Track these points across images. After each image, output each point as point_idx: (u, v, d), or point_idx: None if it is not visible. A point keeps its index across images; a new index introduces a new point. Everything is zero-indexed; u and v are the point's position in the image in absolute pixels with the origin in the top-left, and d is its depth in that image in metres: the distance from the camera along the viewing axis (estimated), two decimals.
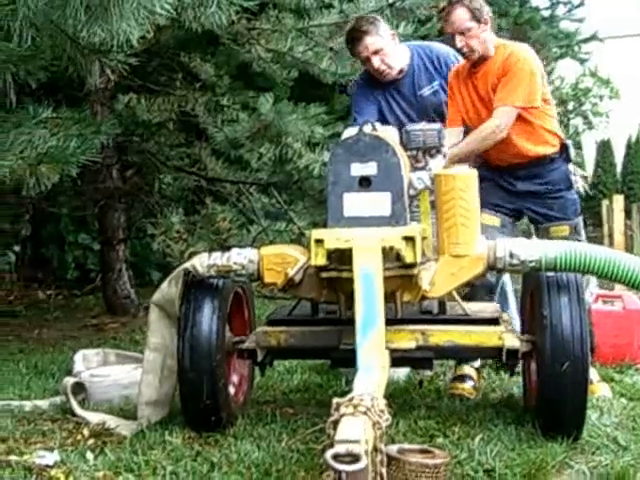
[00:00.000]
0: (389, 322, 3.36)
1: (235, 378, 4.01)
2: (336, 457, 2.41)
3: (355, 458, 2.40)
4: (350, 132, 3.67)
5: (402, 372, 4.63)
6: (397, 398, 4.23)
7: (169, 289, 3.79)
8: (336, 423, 2.61)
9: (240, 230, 7.03)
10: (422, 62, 4.78)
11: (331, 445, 2.52)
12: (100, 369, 4.76)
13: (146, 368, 3.89)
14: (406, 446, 3.09)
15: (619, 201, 13.73)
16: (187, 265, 3.72)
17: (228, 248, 3.84)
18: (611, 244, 12.78)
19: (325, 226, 3.48)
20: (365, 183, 3.43)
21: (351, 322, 3.32)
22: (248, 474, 3.20)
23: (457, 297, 3.90)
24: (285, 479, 3.14)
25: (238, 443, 3.57)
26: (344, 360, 3.58)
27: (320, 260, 3.35)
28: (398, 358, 3.53)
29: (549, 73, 11.30)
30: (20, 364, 5.64)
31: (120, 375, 4.56)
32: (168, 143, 7.51)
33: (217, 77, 7.15)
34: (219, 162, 7.25)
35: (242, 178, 7.37)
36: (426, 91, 4.75)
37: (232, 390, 3.91)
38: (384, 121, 4.53)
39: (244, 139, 6.63)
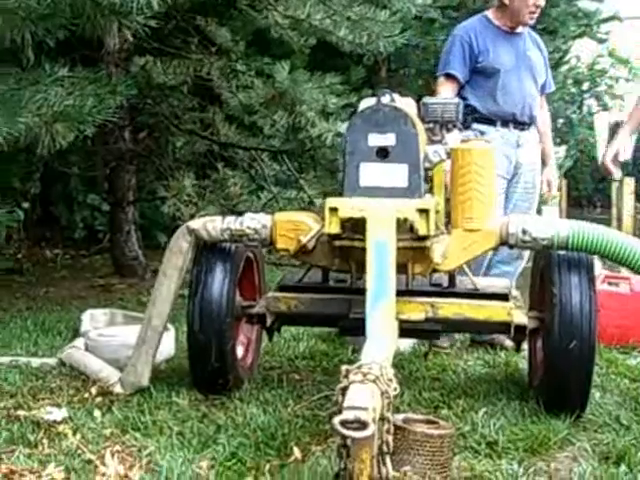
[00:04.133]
0: (399, 293, 3.36)
1: (243, 342, 4.04)
2: (344, 423, 2.43)
3: (362, 425, 2.42)
4: (368, 102, 3.66)
5: (407, 343, 4.65)
6: (402, 369, 4.27)
7: (177, 242, 3.80)
8: (344, 390, 2.62)
9: (250, 196, 7.04)
10: (529, 33, 4.97)
11: (339, 411, 2.54)
12: (108, 329, 4.78)
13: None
14: (412, 416, 3.11)
15: (629, 184, 13.71)
16: (198, 226, 3.72)
17: (239, 213, 3.85)
18: (619, 226, 12.78)
19: (341, 195, 3.48)
20: (382, 154, 3.44)
21: (361, 291, 3.34)
22: (254, 437, 3.23)
23: (468, 271, 3.92)
24: (290, 444, 3.16)
25: (244, 406, 3.60)
26: (353, 329, 3.60)
27: (334, 228, 3.37)
28: (406, 329, 3.55)
29: (565, 52, 11.18)
30: (28, 321, 5.67)
31: (128, 335, 4.56)
32: (181, 107, 7.49)
33: (233, 42, 7.12)
34: (232, 127, 7.24)
35: (254, 144, 7.37)
36: (533, 55, 4.90)
37: (239, 354, 3.93)
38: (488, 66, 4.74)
39: (258, 105, 6.62)
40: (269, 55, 7.26)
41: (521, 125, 4.80)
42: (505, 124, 4.75)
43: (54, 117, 4.24)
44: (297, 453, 3.08)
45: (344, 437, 2.43)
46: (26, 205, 9.00)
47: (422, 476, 2.84)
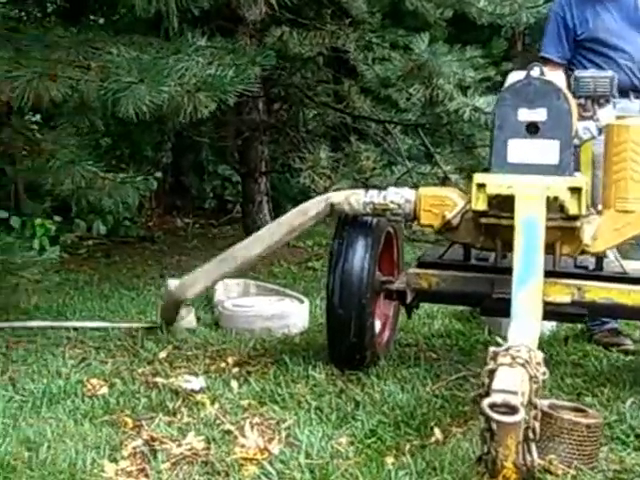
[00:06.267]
0: (545, 274, 3.25)
1: (380, 318, 3.98)
2: (492, 406, 2.36)
3: (511, 409, 2.35)
4: (517, 76, 3.54)
5: (546, 326, 4.51)
6: (542, 352, 4.13)
7: (309, 204, 3.81)
8: (492, 372, 2.54)
9: (383, 170, 6.95)
10: None
11: (486, 394, 2.47)
12: (242, 299, 4.81)
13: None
14: (558, 402, 3.01)
15: None
16: (340, 199, 3.68)
17: (376, 187, 3.79)
18: None
19: (487, 171, 3.38)
20: (533, 129, 3.32)
21: (505, 270, 3.27)
22: (393, 415, 3.18)
23: (616, 254, 3.76)
24: (430, 424, 3.10)
25: (381, 384, 3.55)
26: (496, 309, 3.51)
27: (480, 205, 3.29)
28: (550, 312, 3.42)
29: None
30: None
31: (263, 306, 4.60)
32: (315, 78, 7.47)
33: (368, 14, 7.04)
34: (367, 100, 7.17)
35: (388, 118, 7.29)
36: None
37: (377, 330, 3.87)
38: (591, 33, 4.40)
39: (395, 78, 6.53)
40: (403, 27, 7.15)
41: None
42: (624, 94, 4.30)
43: (196, 86, 4.24)
44: (438, 434, 3.01)
45: (489, 420, 2.36)
46: (158, 174, 9.14)
47: (568, 465, 2.74)
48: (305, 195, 7.12)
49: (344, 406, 3.29)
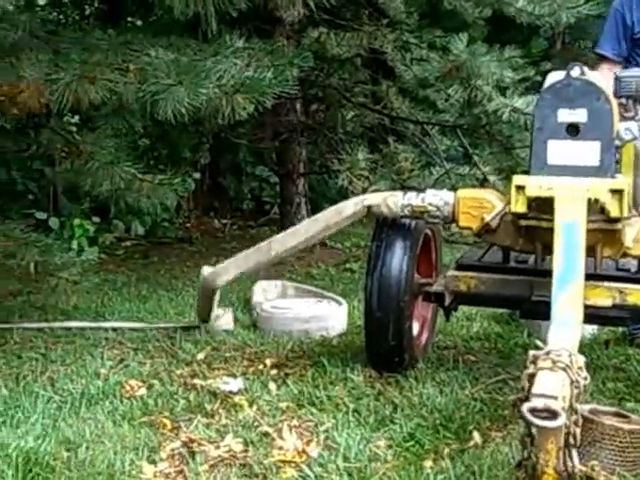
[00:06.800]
0: (585, 277, 3.21)
1: (418, 321, 3.96)
2: (532, 411, 2.33)
3: (552, 414, 2.32)
4: (556, 76, 3.49)
5: (586, 329, 4.46)
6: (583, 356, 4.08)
7: (346, 204, 3.80)
8: (532, 376, 2.51)
9: (422, 171, 6.92)
10: None
11: (526, 398, 2.44)
12: (281, 301, 4.80)
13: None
14: (599, 407, 2.97)
15: None
16: (378, 201, 3.66)
17: (413, 189, 3.77)
18: None
19: (527, 173, 3.34)
20: (573, 130, 3.27)
21: (545, 273, 3.23)
22: (431, 418, 3.16)
23: None
24: (469, 427, 3.08)
25: (419, 386, 3.54)
26: (535, 312, 3.48)
27: (520, 207, 3.25)
28: (590, 315, 3.37)
29: None
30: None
31: (301, 308, 4.59)
32: (353, 79, 7.45)
33: (406, 14, 7.00)
34: (405, 101, 7.14)
35: (426, 119, 7.25)
36: None
37: (415, 333, 3.85)
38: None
39: (433, 79, 6.50)
40: (441, 28, 7.11)
41: None
42: None
43: (234, 88, 4.23)
44: (477, 438, 2.99)
45: (530, 425, 2.33)
46: (196, 175, 9.17)
47: (611, 472, 2.69)
48: (343, 196, 7.11)
49: (382, 409, 3.28)
